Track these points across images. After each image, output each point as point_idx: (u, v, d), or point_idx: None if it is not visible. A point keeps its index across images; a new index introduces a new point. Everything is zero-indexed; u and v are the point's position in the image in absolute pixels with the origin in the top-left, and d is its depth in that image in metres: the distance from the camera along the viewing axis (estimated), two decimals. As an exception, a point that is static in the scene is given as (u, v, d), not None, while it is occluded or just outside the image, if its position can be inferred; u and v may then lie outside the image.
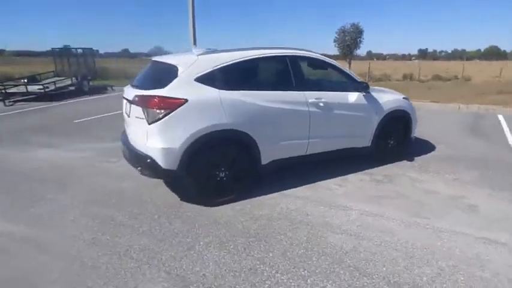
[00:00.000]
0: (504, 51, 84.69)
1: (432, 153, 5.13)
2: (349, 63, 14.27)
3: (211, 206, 3.33)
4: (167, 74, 3.25)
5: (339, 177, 4.12)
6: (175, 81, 3.13)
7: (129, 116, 3.48)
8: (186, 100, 3.06)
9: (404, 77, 21.43)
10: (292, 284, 2.21)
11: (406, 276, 2.29)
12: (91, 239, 2.77)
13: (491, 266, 2.39)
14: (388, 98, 4.48)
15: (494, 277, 2.28)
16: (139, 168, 3.32)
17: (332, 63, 4.12)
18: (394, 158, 4.69)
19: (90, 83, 12.83)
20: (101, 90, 12.88)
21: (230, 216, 3.16)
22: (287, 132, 3.66)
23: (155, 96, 3.04)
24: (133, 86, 3.58)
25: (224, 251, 2.59)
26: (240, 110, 3.29)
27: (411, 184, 3.93)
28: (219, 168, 3.33)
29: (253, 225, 2.98)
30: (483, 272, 2.32)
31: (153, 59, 3.69)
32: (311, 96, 3.74)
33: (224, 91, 3.25)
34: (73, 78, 11.67)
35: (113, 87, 13.37)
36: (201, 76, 3.21)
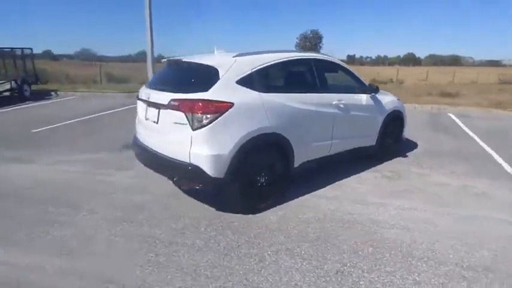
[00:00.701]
0: (419, 57, 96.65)
1: (417, 149, 5.66)
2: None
3: (252, 213, 3.24)
4: (205, 76, 3.08)
5: (353, 176, 4.32)
6: (217, 84, 2.97)
7: (156, 122, 3.20)
8: (232, 104, 2.93)
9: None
10: (385, 280, 2.28)
11: (473, 260, 2.53)
12: (146, 262, 2.48)
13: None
14: (388, 100, 4.85)
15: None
16: (175, 178, 3.08)
17: (345, 66, 4.32)
18: (390, 156, 5.07)
19: (32, 88, 11.29)
20: (44, 95, 11.41)
21: (277, 222, 3.11)
22: (316, 133, 3.73)
23: (201, 100, 2.86)
24: (156, 88, 3.31)
25: (298, 258, 2.54)
26: (278, 113, 3.26)
27: (419, 178, 4.30)
28: (261, 174, 3.25)
29: (307, 229, 2.98)
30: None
31: (178, 59, 3.45)
32: (334, 98, 3.88)
33: (263, 94, 3.19)
34: (12, 82, 10.12)
35: (57, 92, 11.98)
36: (242, 78, 3.11)
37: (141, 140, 3.54)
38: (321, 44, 11.97)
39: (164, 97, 3.07)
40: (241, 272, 2.36)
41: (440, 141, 6.25)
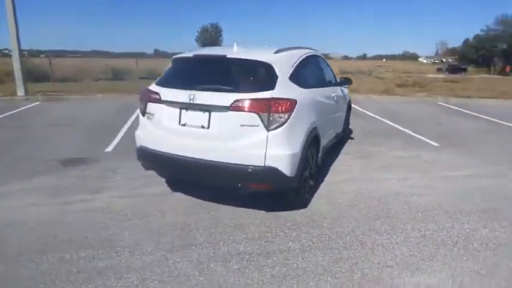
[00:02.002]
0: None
1: (354, 132, 6.80)
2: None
3: (304, 207, 3.34)
4: (260, 72, 2.96)
5: (336, 160, 4.92)
6: (279, 81, 2.91)
7: (206, 127, 2.86)
8: (296, 101, 2.94)
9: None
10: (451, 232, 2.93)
11: (488, 203, 3.55)
12: (285, 275, 2.29)
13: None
14: (346, 91, 5.66)
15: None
16: (240, 184, 2.86)
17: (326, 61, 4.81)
18: (345, 139, 5.97)
19: None
20: None
21: (332, 209, 3.33)
22: (326, 124, 4.08)
23: (275, 98, 2.75)
24: (198, 89, 2.90)
25: (385, 233, 2.89)
26: (314, 107, 3.45)
27: (381, 155, 5.26)
28: (309, 167, 3.37)
29: (362, 211, 3.33)
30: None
31: (221, 55, 3.12)
32: (332, 91, 4.32)
33: (304, 89, 3.30)
34: None
35: None
36: (291, 75, 3.14)
37: (166, 150, 3.03)
38: (221, 38, 12.11)
39: (223, 98, 2.77)
40: (364, 260, 2.54)
41: (361, 124, 7.63)
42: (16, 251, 2.55)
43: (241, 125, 2.75)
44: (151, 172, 4.05)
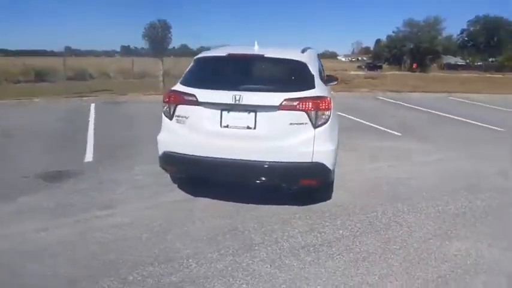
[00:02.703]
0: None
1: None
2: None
3: (329, 198, 3.60)
4: (298, 72, 3.12)
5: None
6: (316, 80, 3.11)
7: (252, 127, 2.92)
8: (331, 98, 3.17)
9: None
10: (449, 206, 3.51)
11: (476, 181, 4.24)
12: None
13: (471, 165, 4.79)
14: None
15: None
16: (289, 182, 3.00)
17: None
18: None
19: None
20: None
21: (355, 197, 3.66)
22: None
23: (321, 97, 2.94)
24: (241, 89, 2.94)
25: (413, 212, 3.33)
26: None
27: (365, 146, 5.79)
28: (333, 160, 3.64)
29: (388, 197, 3.71)
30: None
31: (257, 54, 3.20)
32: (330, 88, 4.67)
33: (327, 87, 3.55)
34: None
35: None
36: (318, 73, 3.35)
37: (205, 154, 3.00)
38: (170, 35, 11.30)
39: (271, 98, 2.86)
40: (408, 236, 2.90)
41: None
42: (59, 285, 2.28)
43: (290, 124, 2.88)
44: (154, 180, 3.93)
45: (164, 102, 3.19)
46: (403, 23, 42.64)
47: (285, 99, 2.86)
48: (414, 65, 38.51)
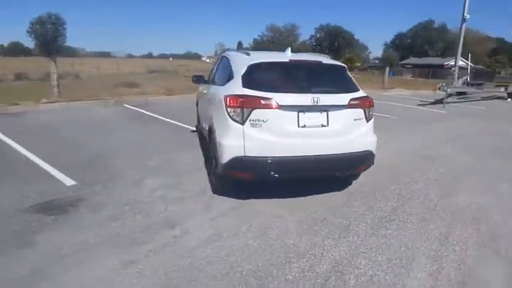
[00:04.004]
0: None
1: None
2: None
3: (350, 184, 4.38)
4: (344, 75, 3.72)
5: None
6: (355, 82, 3.77)
7: (326, 125, 3.38)
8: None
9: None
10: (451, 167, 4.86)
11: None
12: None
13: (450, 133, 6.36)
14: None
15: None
16: (352, 170, 3.61)
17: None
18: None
19: None
20: None
21: (376, 181, 4.54)
22: None
23: (369, 97, 3.63)
24: (315, 91, 3.37)
25: (433, 183, 4.43)
26: None
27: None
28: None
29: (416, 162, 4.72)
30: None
31: (317, 60, 3.62)
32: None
33: None
34: None
35: None
36: (351, 77, 4.05)
37: (285, 154, 3.28)
38: (64, 32, 8.86)
39: (340, 98, 3.38)
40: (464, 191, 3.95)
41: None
42: None
43: (354, 119, 3.48)
44: (183, 192, 3.87)
45: (233, 107, 3.25)
46: (267, 28, 47.86)
47: (351, 99, 3.45)
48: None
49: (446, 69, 38.75)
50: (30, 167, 4.59)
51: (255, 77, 3.44)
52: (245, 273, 2.50)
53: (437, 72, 37.52)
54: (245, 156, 3.26)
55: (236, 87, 3.39)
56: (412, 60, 48.17)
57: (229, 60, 4.08)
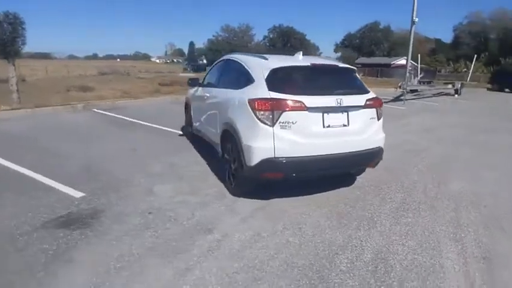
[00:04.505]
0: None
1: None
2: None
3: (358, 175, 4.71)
4: (354, 78, 4.02)
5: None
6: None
7: (347, 124, 3.63)
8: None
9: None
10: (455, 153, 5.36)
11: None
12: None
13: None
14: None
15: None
16: (368, 164, 3.95)
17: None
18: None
19: None
20: None
21: (392, 169, 4.90)
22: None
23: (379, 98, 3.95)
24: (337, 93, 3.60)
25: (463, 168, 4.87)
26: None
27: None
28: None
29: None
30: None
31: (334, 64, 3.85)
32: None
33: None
34: None
35: None
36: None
37: (311, 153, 3.47)
38: (24, 33, 7.77)
39: (358, 99, 3.66)
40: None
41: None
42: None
43: (370, 118, 3.78)
44: (199, 199, 3.87)
45: (262, 110, 3.36)
46: (221, 28, 47.78)
47: (367, 100, 3.74)
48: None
49: (393, 69, 41.82)
50: (23, 180, 4.28)
51: (279, 80, 3.57)
52: (301, 268, 2.65)
53: (385, 71, 40.22)
54: (275, 157, 3.39)
55: (261, 90, 3.51)
56: (362, 59, 51.16)
57: (242, 64, 4.17)
